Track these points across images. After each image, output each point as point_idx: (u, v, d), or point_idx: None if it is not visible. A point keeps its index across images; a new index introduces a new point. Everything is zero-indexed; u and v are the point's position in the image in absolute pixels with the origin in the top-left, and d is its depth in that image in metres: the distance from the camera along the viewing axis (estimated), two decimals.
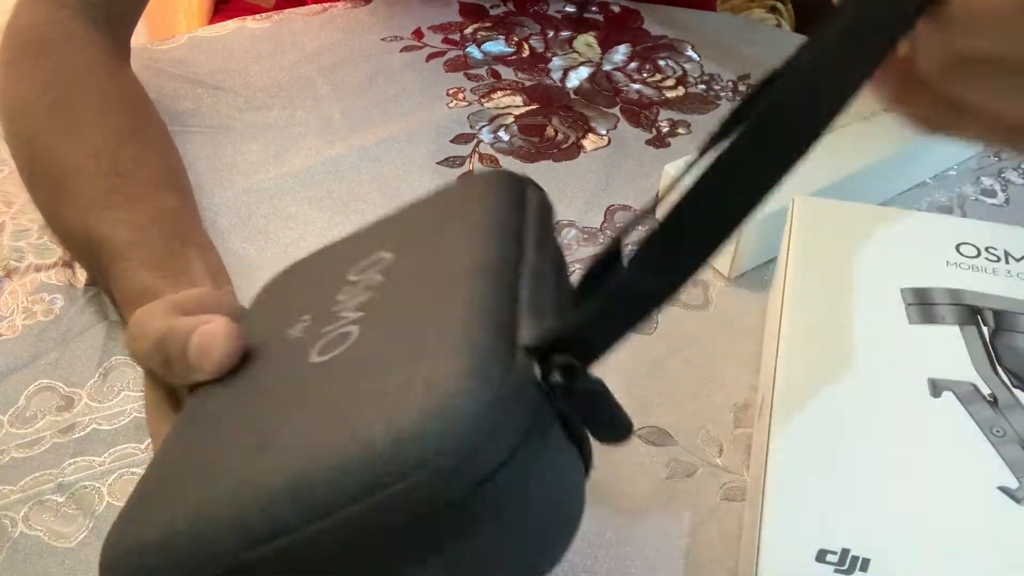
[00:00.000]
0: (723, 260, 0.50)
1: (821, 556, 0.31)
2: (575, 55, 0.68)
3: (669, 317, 0.48)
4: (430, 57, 0.68)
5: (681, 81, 0.65)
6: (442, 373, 0.23)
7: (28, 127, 0.50)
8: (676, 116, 0.62)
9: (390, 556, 0.23)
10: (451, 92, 0.64)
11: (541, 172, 0.57)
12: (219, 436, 0.28)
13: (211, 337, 0.30)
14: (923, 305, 0.39)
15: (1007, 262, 0.41)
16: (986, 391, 0.35)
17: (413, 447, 0.21)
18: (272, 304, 0.36)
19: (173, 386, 0.34)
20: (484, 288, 0.26)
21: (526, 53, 0.68)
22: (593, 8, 0.73)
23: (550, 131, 0.61)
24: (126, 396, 0.43)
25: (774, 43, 0.69)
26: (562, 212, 0.54)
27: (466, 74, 0.66)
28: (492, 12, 0.73)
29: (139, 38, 0.61)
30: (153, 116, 0.55)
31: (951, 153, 0.57)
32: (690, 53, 0.68)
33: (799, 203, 0.44)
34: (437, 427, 0.21)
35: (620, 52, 0.68)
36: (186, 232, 0.45)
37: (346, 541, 0.22)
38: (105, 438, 0.41)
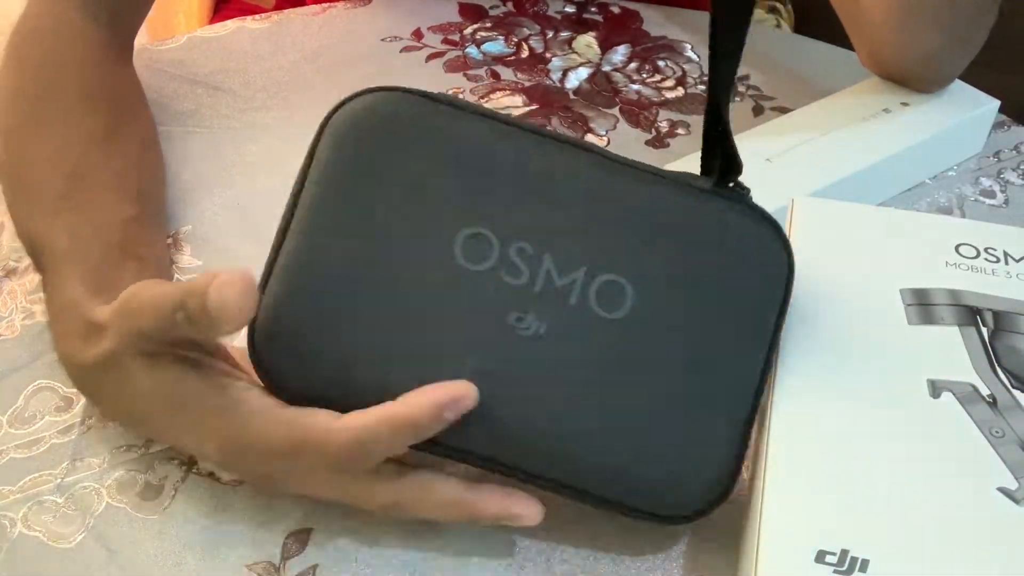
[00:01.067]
0: None
1: (821, 557, 0.31)
2: (574, 56, 0.68)
3: None
4: (430, 58, 0.68)
5: (680, 82, 0.65)
6: (716, 448, 0.35)
7: (5, 121, 0.49)
8: (675, 117, 0.62)
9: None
10: (451, 92, 0.64)
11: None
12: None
13: (229, 286, 0.30)
14: (922, 306, 0.39)
15: (1006, 263, 0.41)
16: (986, 392, 0.35)
17: (686, 504, 0.35)
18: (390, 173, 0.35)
19: (185, 359, 0.35)
20: (751, 387, 0.36)
21: (525, 54, 0.68)
22: (592, 9, 0.73)
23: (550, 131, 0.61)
24: None
25: (774, 43, 0.69)
26: None
27: (466, 75, 0.66)
28: (492, 13, 0.73)
29: (139, 38, 0.60)
30: (138, 116, 0.54)
31: (951, 153, 0.57)
32: (690, 53, 0.68)
33: (799, 203, 0.44)
34: (704, 493, 0.35)
35: (619, 53, 0.68)
36: (132, 243, 0.44)
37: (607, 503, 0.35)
38: (104, 438, 0.41)
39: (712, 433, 0.34)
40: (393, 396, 0.32)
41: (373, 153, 0.35)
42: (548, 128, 0.37)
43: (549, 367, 0.34)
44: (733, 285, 0.35)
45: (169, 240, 0.52)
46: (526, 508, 0.34)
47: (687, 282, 0.35)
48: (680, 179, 0.37)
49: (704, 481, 0.34)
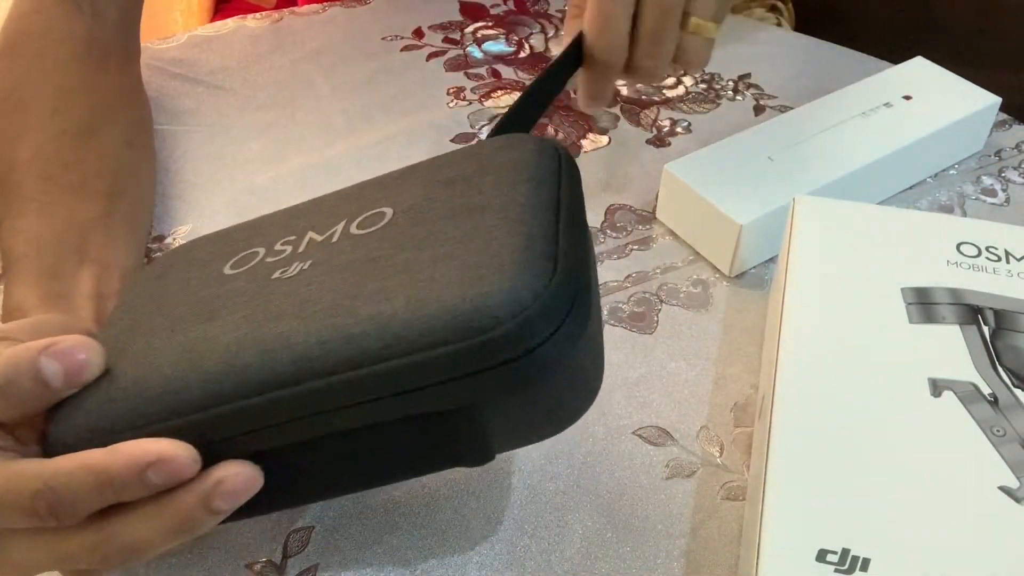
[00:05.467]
0: (724, 259, 0.50)
1: (821, 556, 0.31)
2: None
3: (669, 317, 0.48)
4: (430, 56, 0.68)
5: (681, 81, 0.65)
6: (510, 257, 0.28)
7: None
8: (676, 116, 0.62)
9: (450, 399, 0.28)
10: (451, 91, 0.64)
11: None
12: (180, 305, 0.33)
13: (64, 355, 0.29)
14: (923, 304, 0.39)
15: (1007, 262, 0.41)
16: (986, 391, 0.35)
17: (491, 313, 0.27)
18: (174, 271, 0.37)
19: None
20: (536, 205, 0.31)
21: (526, 52, 0.68)
22: None
23: (550, 130, 0.61)
24: None
25: (774, 43, 0.69)
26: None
27: (466, 73, 0.66)
28: (492, 11, 0.73)
29: None
30: (121, 112, 0.53)
31: (951, 152, 0.57)
32: None
33: (799, 202, 0.44)
34: (511, 300, 0.27)
35: None
36: (94, 246, 0.43)
37: (422, 381, 0.27)
38: None
39: (494, 252, 0.29)
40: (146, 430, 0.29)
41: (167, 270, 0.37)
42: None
43: (316, 283, 0.31)
44: (485, 172, 0.34)
45: (170, 238, 0.52)
46: (230, 468, 0.29)
47: (444, 184, 0.34)
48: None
49: (502, 290, 0.27)
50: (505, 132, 0.38)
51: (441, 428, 0.29)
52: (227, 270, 0.35)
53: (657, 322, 0.47)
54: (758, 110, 0.62)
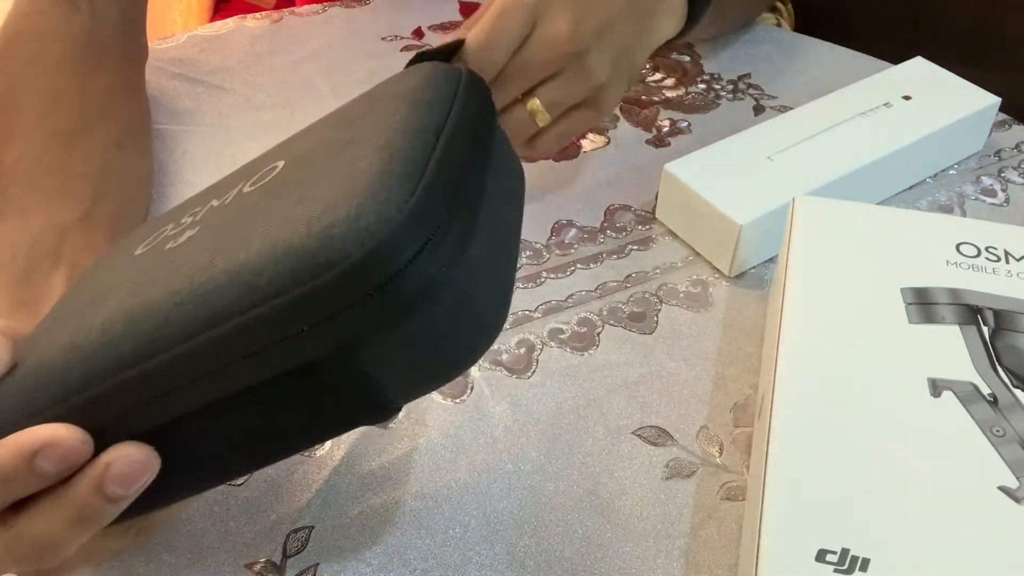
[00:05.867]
0: (724, 259, 0.50)
1: (821, 556, 0.31)
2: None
3: (669, 317, 0.48)
4: None
5: (681, 81, 0.65)
6: (363, 182, 0.25)
7: None
8: (676, 116, 0.62)
9: (318, 346, 0.25)
10: None
11: (541, 171, 0.57)
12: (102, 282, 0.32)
13: None
14: (923, 305, 0.39)
15: (1007, 262, 0.41)
16: (986, 391, 0.35)
17: (334, 245, 0.24)
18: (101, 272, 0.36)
19: None
20: (411, 127, 0.28)
21: None
22: None
23: None
24: None
25: (774, 43, 0.69)
26: (562, 211, 0.54)
27: None
28: None
29: None
30: (114, 113, 0.53)
31: (951, 152, 0.57)
32: (690, 53, 0.68)
33: (799, 203, 0.44)
34: (357, 228, 0.24)
35: None
36: (70, 249, 0.43)
37: (283, 331, 0.25)
38: None
39: (348, 180, 0.26)
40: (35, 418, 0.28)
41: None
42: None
43: (196, 243, 0.30)
44: (374, 105, 0.32)
45: None
46: (119, 451, 0.27)
47: (334, 126, 0.33)
48: None
49: (346, 219, 0.25)
50: None
51: (320, 381, 0.26)
52: (138, 251, 0.33)
53: (657, 322, 0.47)
54: (758, 110, 0.62)
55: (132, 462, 0.27)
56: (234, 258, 0.26)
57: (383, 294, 0.24)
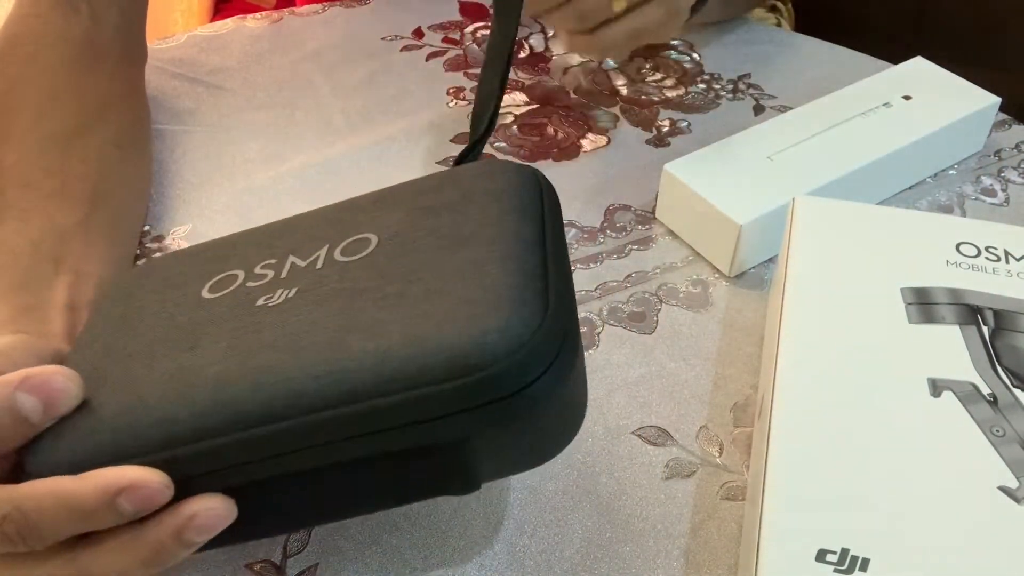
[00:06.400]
0: (724, 259, 0.50)
1: (821, 556, 0.31)
2: (575, 54, 0.68)
3: (669, 317, 0.48)
4: (430, 56, 0.68)
5: (681, 81, 0.65)
6: (506, 295, 0.29)
7: None
8: (676, 116, 0.62)
9: (443, 433, 0.28)
10: (451, 91, 0.64)
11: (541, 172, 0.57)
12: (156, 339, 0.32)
13: (41, 388, 0.29)
14: (923, 305, 0.39)
15: (1007, 262, 0.41)
16: (986, 391, 0.35)
17: (488, 351, 0.27)
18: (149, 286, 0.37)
19: None
20: (523, 238, 0.32)
21: (526, 52, 0.68)
22: None
23: (550, 130, 0.61)
24: None
25: (774, 43, 0.69)
26: (562, 211, 0.54)
27: (466, 73, 0.66)
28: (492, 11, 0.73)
29: None
30: (112, 114, 0.52)
31: (951, 152, 0.57)
32: (690, 53, 0.68)
33: (799, 203, 0.44)
34: (509, 338, 0.27)
35: None
36: (70, 254, 0.43)
37: (420, 415, 0.27)
38: None
39: (488, 288, 0.29)
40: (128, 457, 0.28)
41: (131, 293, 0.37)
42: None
43: (305, 313, 0.31)
44: (470, 201, 0.34)
45: (169, 238, 0.52)
46: (205, 503, 0.28)
47: (427, 212, 0.34)
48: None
49: (498, 328, 0.27)
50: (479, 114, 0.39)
51: (431, 461, 0.29)
52: (205, 293, 0.34)
53: (657, 322, 0.47)
54: (758, 110, 0.62)
55: (218, 516, 0.28)
56: (374, 342, 0.28)
57: (516, 398, 0.27)
